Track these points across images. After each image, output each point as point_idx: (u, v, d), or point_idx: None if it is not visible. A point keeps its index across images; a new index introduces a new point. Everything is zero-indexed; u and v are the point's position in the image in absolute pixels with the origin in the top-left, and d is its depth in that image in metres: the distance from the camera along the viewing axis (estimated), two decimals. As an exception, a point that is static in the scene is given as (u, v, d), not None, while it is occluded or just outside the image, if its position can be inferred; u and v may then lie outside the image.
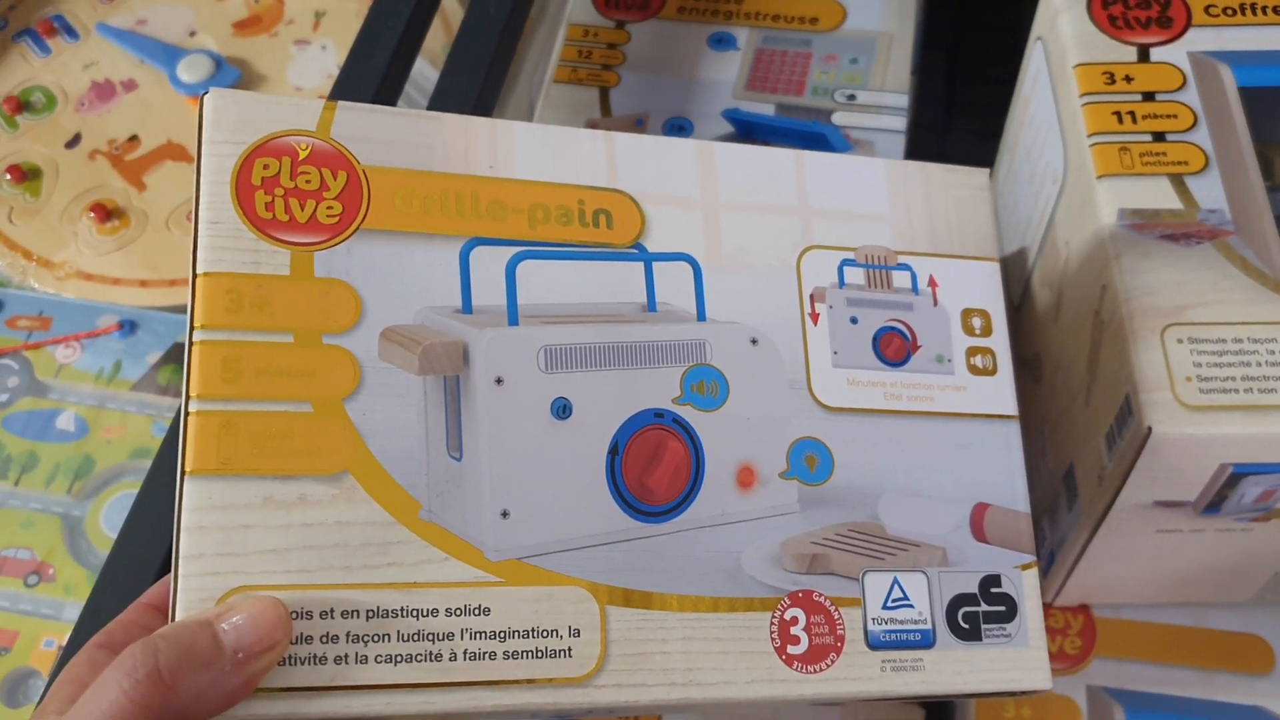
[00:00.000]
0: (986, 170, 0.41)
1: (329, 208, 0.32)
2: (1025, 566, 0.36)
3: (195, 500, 0.29)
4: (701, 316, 0.35)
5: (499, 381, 0.32)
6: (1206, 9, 0.48)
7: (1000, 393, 0.37)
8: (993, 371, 0.37)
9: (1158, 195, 0.44)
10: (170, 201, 0.65)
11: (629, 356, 0.33)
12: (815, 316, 0.36)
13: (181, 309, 0.61)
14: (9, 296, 0.61)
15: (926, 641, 0.34)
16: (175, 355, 0.59)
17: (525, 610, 0.30)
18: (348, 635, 0.29)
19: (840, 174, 0.38)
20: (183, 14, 0.72)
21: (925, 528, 0.35)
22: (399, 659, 0.29)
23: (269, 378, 0.30)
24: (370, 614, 0.29)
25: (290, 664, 0.28)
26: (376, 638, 0.29)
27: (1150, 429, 0.39)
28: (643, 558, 0.32)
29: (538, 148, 0.34)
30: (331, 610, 0.29)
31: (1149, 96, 0.46)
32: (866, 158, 0.39)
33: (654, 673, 0.31)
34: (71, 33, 0.71)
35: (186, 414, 0.29)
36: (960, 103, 0.84)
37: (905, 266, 0.38)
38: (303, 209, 0.31)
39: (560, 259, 0.34)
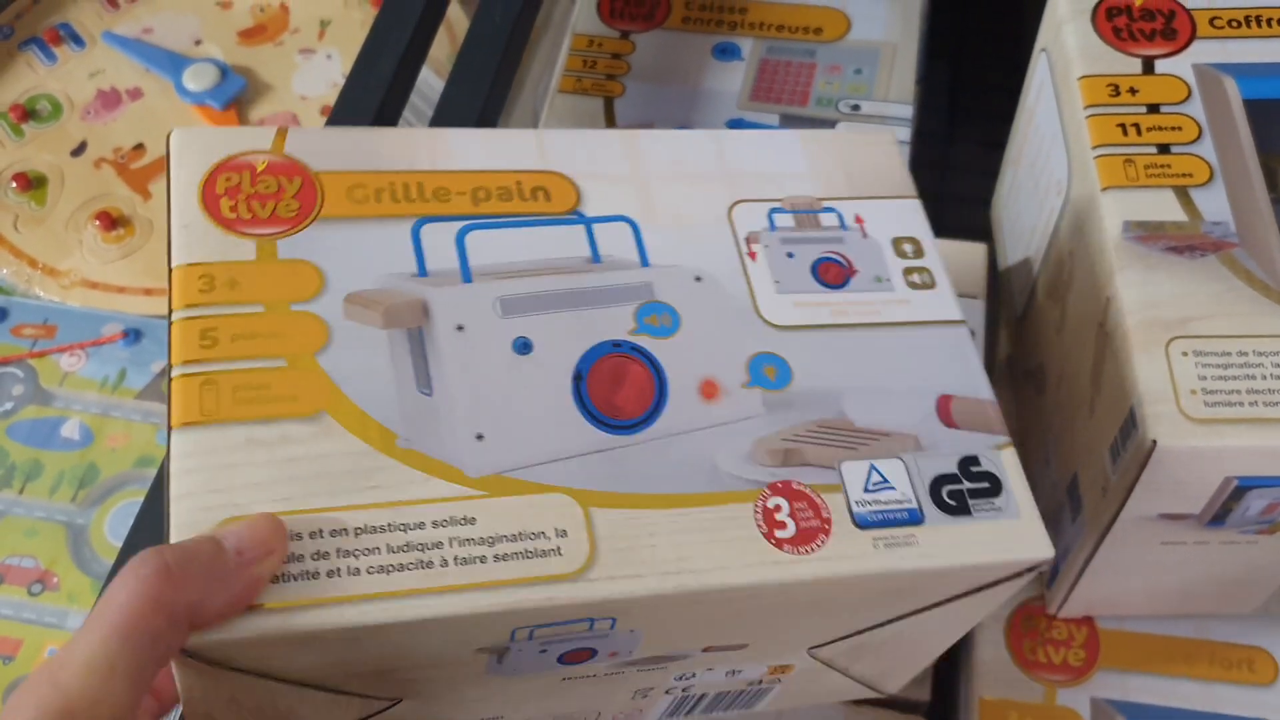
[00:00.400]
0: (894, 130, 0.41)
1: (288, 205, 0.35)
2: (1001, 447, 0.36)
3: (181, 448, 0.30)
4: (645, 264, 0.37)
5: (460, 328, 0.34)
6: (1211, 21, 0.48)
7: (943, 302, 0.38)
8: (932, 286, 0.38)
9: (1162, 208, 0.44)
10: (175, 210, 0.64)
11: (581, 299, 0.35)
12: (754, 255, 0.38)
13: (186, 317, 0.61)
14: (14, 305, 0.61)
15: (915, 518, 0.34)
16: (180, 364, 0.59)
17: (510, 517, 0.31)
18: (338, 551, 0.30)
19: (757, 145, 0.40)
20: (188, 22, 0.72)
21: (893, 419, 0.36)
22: (391, 569, 0.30)
23: (243, 340, 0.32)
24: (359, 531, 0.30)
25: (285, 580, 0.29)
26: (367, 551, 0.30)
27: (1155, 442, 0.39)
28: (619, 465, 0.33)
29: (473, 146, 0.38)
30: (320, 530, 0.30)
31: (1153, 109, 0.46)
32: (781, 130, 0.42)
33: (645, 564, 0.31)
34: (78, 41, 0.71)
35: (170, 381, 0.31)
36: (963, 111, 0.84)
37: (831, 209, 0.39)
38: (264, 208, 0.34)
39: (505, 228, 0.36)
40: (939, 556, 0.34)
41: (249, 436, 0.31)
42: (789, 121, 0.59)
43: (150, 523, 0.39)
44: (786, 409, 0.35)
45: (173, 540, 0.29)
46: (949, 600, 0.36)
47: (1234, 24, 0.48)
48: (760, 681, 0.41)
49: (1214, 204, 0.44)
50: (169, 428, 0.31)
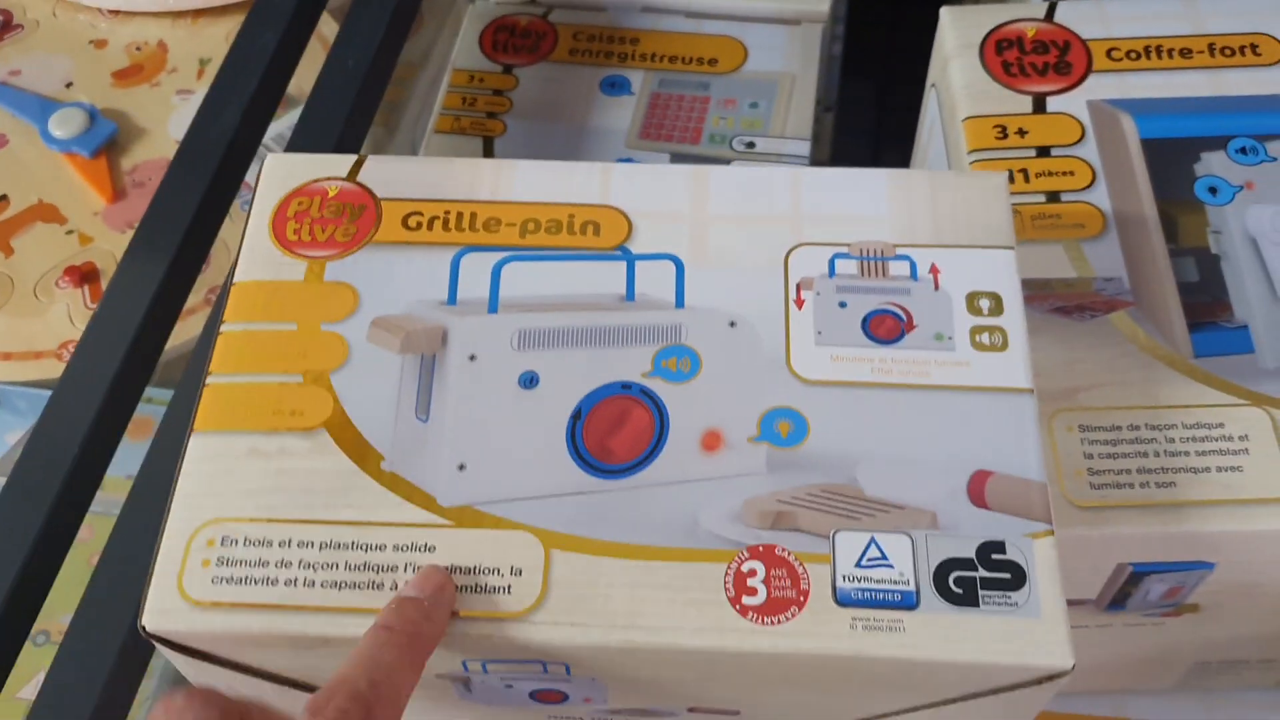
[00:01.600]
0: (1004, 173, 0.39)
1: (345, 230, 0.38)
2: (1038, 535, 0.32)
3: (195, 452, 0.34)
4: (680, 305, 0.37)
5: (472, 358, 0.35)
6: (1109, 53, 0.45)
7: (1012, 367, 0.35)
8: (1002, 348, 0.35)
9: (1051, 263, 0.40)
10: (39, 267, 0.61)
11: (601, 337, 0.35)
12: (800, 303, 0.36)
13: (48, 384, 0.57)
14: None
15: (908, 603, 0.31)
16: (36, 437, 0.55)
17: (469, 550, 0.32)
18: (300, 563, 0.32)
19: (838, 185, 0.39)
20: (60, 64, 0.68)
21: (913, 491, 0.33)
22: (343, 585, 0.32)
23: (270, 356, 0.36)
24: (323, 546, 0.33)
25: (245, 584, 0.32)
26: (326, 566, 0.32)
27: (1037, 531, 0.35)
28: (596, 510, 0.33)
29: (537, 177, 0.39)
30: (290, 540, 0.33)
31: (1044, 152, 0.43)
32: (868, 169, 0.39)
33: (595, 614, 0.31)
34: (-62, 86, 0.67)
35: (203, 386, 0.35)
36: (889, 133, 0.80)
37: (904, 257, 0.37)
38: (323, 232, 0.38)
39: (545, 260, 0.37)
40: (924, 649, 0.31)
41: (252, 446, 0.34)
42: (680, 161, 0.55)
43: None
44: (794, 469, 0.34)
45: (165, 534, 0.33)
46: (968, 698, 0.33)
47: (1133, 55, 0.45)
48: None
49: (1107, 258, 0.41)
50: (190, 430, 0.35)
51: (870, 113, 0.80)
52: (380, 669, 0.30)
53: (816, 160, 0.66)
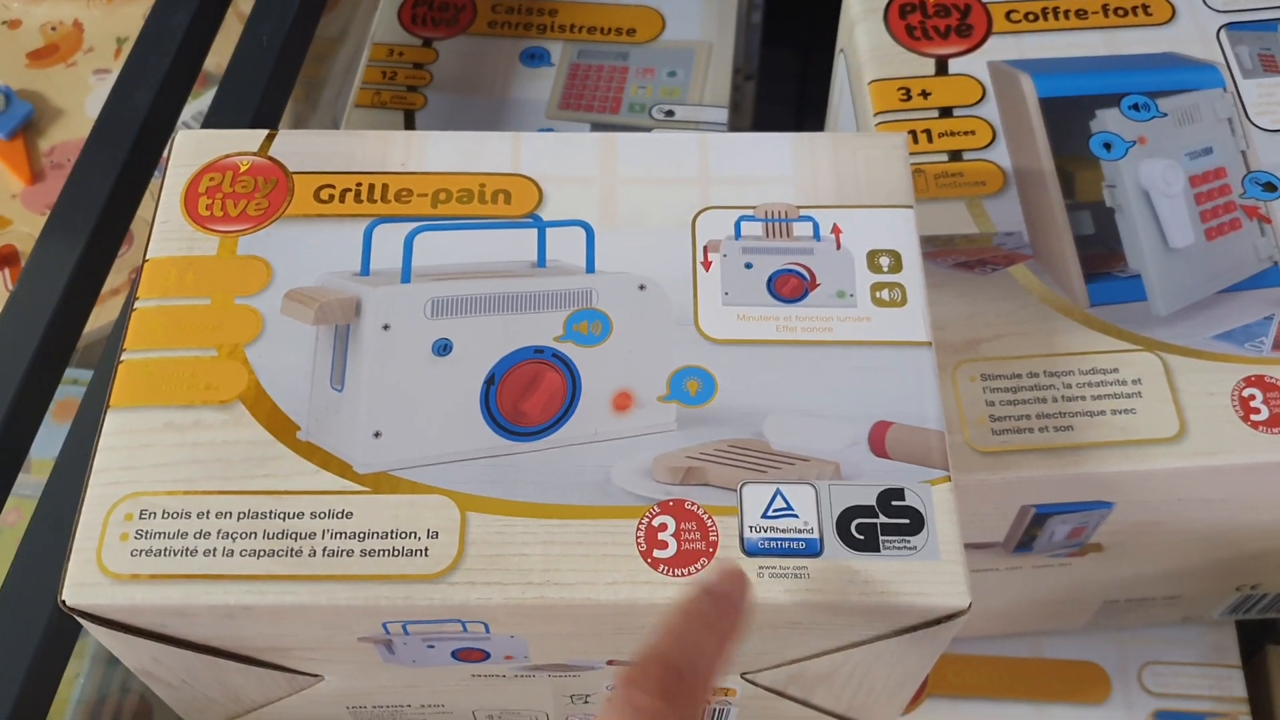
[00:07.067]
0: (904, 134, 0.40)
1: (258, 204, 0.38)
2: (936, 481, 0.34)
3: (110, 427, 0.35)
4: (590, 270, 0.37)
5: (386, 328, 0.36)
6: (1008, 15, 0.46)
7: (911, 321, 0.37)
8: (902, 303, 0.37)
9: (953, 220, 0.42)
10: (-48, 257, 0.60)
11: (513, 304, 0.36)
12: (708, 265, 0.37)
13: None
14: None
15: (812, 550, 0.33)
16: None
17: (386, 515, 0.33)
18: (219, 533, 0.33)
19: (743, 148, 0.40)
20: (-29, 46, 0.67)
21: (817, 443, 0.34)
22: (262, 554, 0.33)
23: (185, 330, 0.36)
24: (241, 515, 0.33)
25: (165, 555, 0.32)
26: (245, 535, 0.33)
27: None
28: (510, 471, 0.34)
29: (448, 147, 0.39)
30: (207, 512, 0.33)
31: (946, 112, 0.44)
32: (773, 133, 0.40)
33: (510, 573, 0.32)
34: None
35: (118, 363, 0.36)
36: (811, 101, 0.82)
37: (807, 218, 0.38)
38: (235, 206, 0.38)
39: (457, 229, 0.37)
40: (830, 592, 0.32)
41: (168, 420, 0.34)
42: (600, 131, 0.56)
43: None
44: (703, 425, 0.35)
45: (83, 511, 0.33)
46: (873, 640, 0.34)
47: (1031, 17, 0.46)
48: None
49: (1007, 213, 0.42)
50: (106, 406, 0.35)
51: (793, 81, 0.81)
52: (692, 647, 0.29)
53: (737, 128, 0.67)
